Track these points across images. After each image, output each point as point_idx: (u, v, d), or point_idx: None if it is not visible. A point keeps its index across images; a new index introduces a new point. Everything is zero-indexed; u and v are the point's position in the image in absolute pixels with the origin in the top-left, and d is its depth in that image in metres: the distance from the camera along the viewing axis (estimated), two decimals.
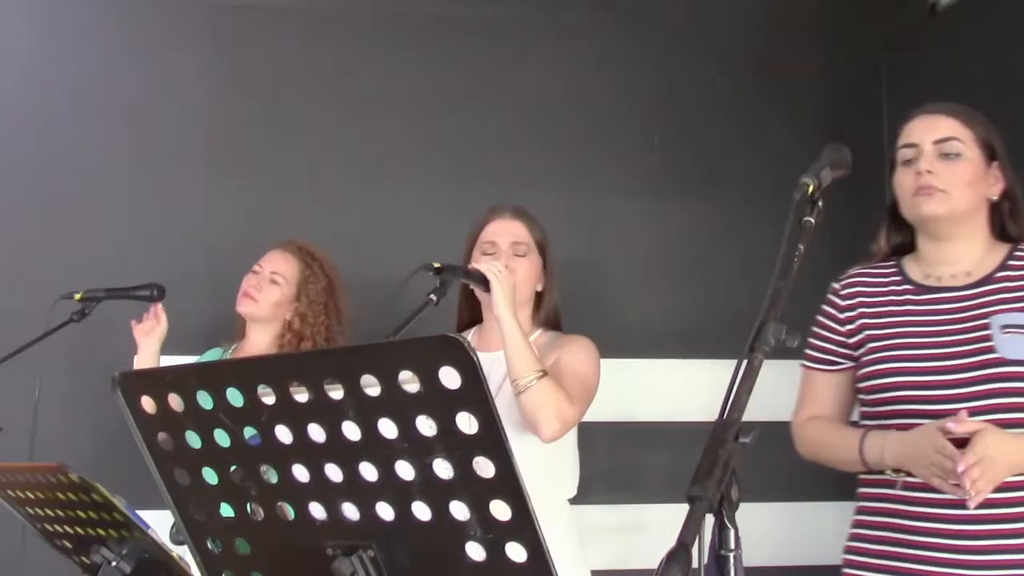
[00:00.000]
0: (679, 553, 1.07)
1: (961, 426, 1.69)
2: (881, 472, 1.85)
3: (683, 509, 1.15)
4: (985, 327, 1.81)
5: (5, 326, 2.79)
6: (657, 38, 3.51)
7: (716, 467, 1.17)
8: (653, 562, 1.09)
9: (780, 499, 3.16)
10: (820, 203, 1.49)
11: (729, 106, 3.50)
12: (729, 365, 1.32)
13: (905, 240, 2.00)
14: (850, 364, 1.98)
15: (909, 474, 1.80)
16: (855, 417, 2.02)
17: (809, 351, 2.05)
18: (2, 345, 2.62)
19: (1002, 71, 3.00)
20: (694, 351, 3.29)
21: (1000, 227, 1.93)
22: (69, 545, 1.67)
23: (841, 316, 2.01)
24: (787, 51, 3.56)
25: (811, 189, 1.48)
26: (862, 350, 1.95)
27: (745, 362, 1.31)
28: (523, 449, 2.13)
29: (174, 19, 3.34)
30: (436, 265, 2.22)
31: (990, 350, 1.79)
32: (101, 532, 1.57)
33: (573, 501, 2.37)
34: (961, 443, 1.69)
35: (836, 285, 2.05)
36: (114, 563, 1.53)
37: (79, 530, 1.61)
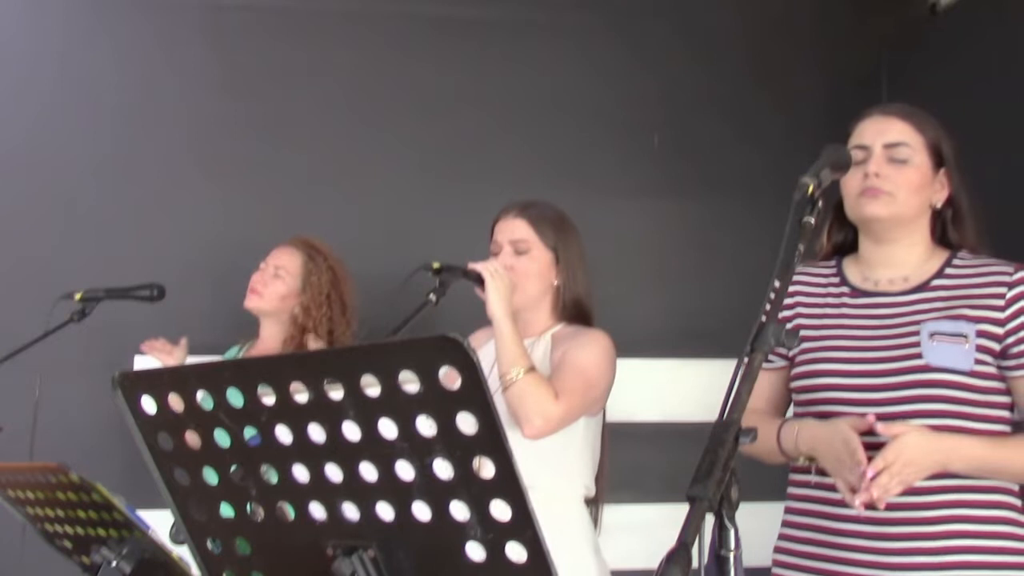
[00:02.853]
0: (679, 553, 1.07)
1: (887, 429, 1.69)
2: (808, 471, 1.85)
3: (683, 509, 1.15)
4: (916, 333, 1.82)
5: (5, 326, 2.79)
6: (657, 38, 3.52)
7: (716, 467, 1.17)
8: (653, 562, 1.09)
9: (780, 499, 3.15)
10: (820, 203, 1.49)
11: (729, 106, 3.50)
12: (729, 365, 1.32)
13: (847, 239, 2.01)
14: (784, 363, 1.99)
15: (822, 471, 1.80)
16: (790, 415, 2.02)
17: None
18: (2, 345, 2.62)
19: (1002, 71, 3.00)
20: (694, 351, 3.29)
21: (941, 233, 1.94)
22: (69, 545, 1.67)
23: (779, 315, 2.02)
24: (787, 51, 3.57)
25: (811, 189, 1.48)
26: (796, 349, 1.95)
27: (745, 362, 1.31)
28: (530, 446, 2.15)
29: (174, 19, 3.34)
30: (436, 265, 2.22)
31: (918, 356, 1.80)
32: (101, 532, 1.57)
33: None
34: (879, 446, 1.69)
35: (776, 284, 2.05)
36: (114, 563, 1.53)
37: (79, 530, 1.61)
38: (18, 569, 2.55)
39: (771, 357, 2.01)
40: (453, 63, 3.41)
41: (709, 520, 1.17)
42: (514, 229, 2.34)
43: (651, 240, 3.46)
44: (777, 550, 1.96)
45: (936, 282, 1.88)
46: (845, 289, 1.95)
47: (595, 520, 2.33)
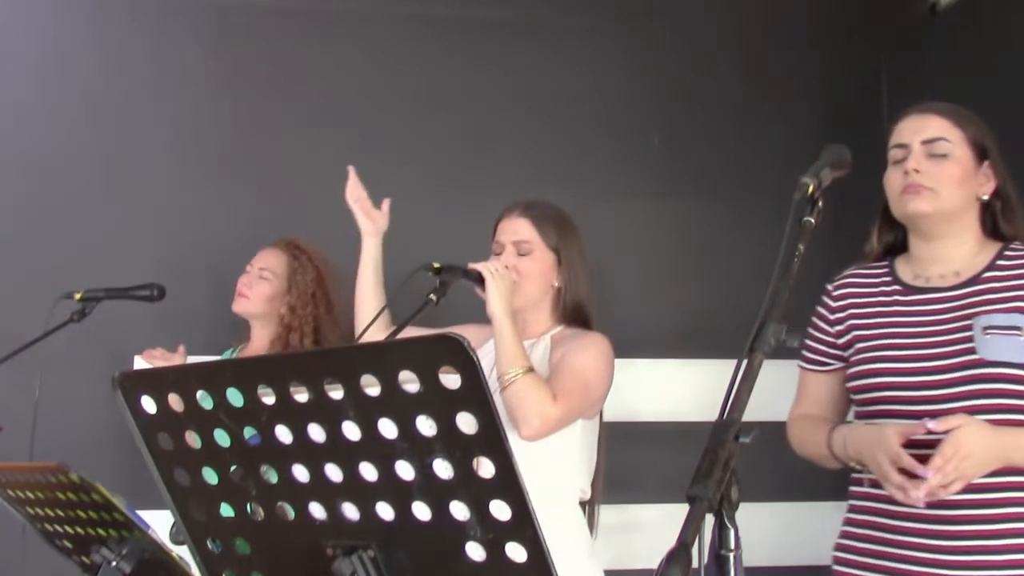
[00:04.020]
0: (679, 553, 1.07)
1: (941, 425, 1.69)
2: (862, 472, 1.85)
3: (683, 509, 1.15)
4: (969, 328, 1.82)
5: (5, 326, 2.79)
6: (657, 38, 3.51)
7: (716, 467, 1.17)
8: (653, 562, 1.09)
9: (780, 499, 3.16)
10: (820, 203, 1.49)
11: (729, 106, 3.49)
12: (729, 365, 1.32)
13: (897, 239, 2.01)
14: (840, 365, 2.00)
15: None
16: (850, 417, 2.03)
17: (804, 352, 2.08)
18: (2, 345, 2.62)
19: (1002, 71, 3.00)
20: (694, 351, 3.28)
21: (992, 226, 1.93)
22: (69, 545, 1.67)
23: (831, 317, 2.03)
24: (787, 51, 3.56)
25: (811, 189, 1.48)
26: (851, 351, 1.97)
27: (745, 362, 1.31)
28: (526, 448, 2.14)
29: (174, 19, 3.34)
30: (436, 265, 2.22)
31: (972, 351, 1.80)
32: (101, 532, 1.57)
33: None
34: (934, 444, 1.69)
35: (829, 286, 2.07)
36: (114, 563, 1.53)
37: (79, 530, 1.61)
38: (18, 569, 2.54)
39: (824, 360, 2.03)
40: (453, 63, 3.41)
41: (709, 520, 1.17)
42: (517, 229, 2.34)
43: (651, 240, 3.46)
44: (838, 548, 1.96)
45: (988, 275, 1.87)
46: (897, 288, 1.95)
47: (591, 522, 2.32)
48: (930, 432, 1.70)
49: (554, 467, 2.23)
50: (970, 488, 1.71)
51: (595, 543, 2.32)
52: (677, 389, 3.28)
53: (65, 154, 3.23)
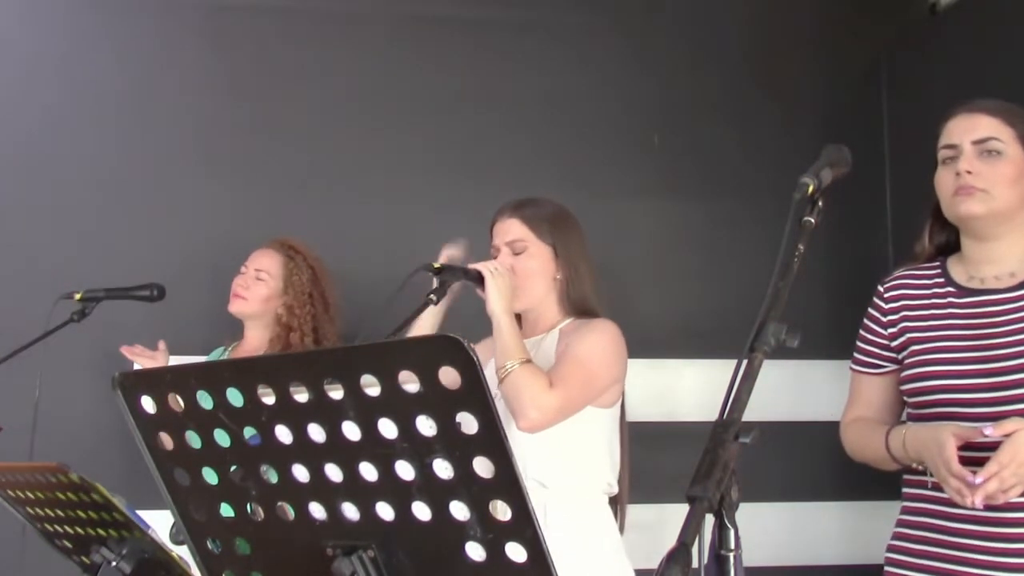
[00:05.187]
0: (679, 553, 1.07)
1: (997, 430, 1.68)
2: (923, 472, 1.84)
3: (683, 509, 1.15)
4: None
5: (5, 326, 2.79)
6: (657, 38, 3.51)
7: (716, 467, 1.17)
8: (653, 562, 1.09)
9: (780, 499, 3.16)
10: (820, 203, 1.49)
11: (729, 106, 3.49)
12: (729, 365, 1.32)
13: (949, 240, 1.98)
14: (894, 367, 1.97)
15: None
16: (904, 419, 2.01)
17: (856, 354, 2.05)
18: (2, 345, 2.62)
19: (1002, 71, 3.00)
20: (694, 351, 3.28)
21: None
22: (69, 545, 1.67)
23: (884, 319, 2.00)
24: (787, 51, 3.56)
25: (811, 189, 1.48)
26: (904, 352, 1.94)
27: (745, 362, 1.31)
28: (541, 443, 2.14)
29: (174, 19, 3.34)
30: (436, 265, 2.21)
31: None
32: (101, 532, 1.57)
33: None
34: (994, 446, 1.68)
35: (880, 288, 2.03)
36: (114, 563, 1.53)
37: (79, 530, 1.61)
38: (18, 569, 2.54)
39: (878, 362, 2.00)
40: (453, 63, 3.41)
41: (709, 520, 1.16)
42: (508, 230, 2.33)
43: (651, 240, 3.46)
44: (891, 549, 1.95)
45: None
46: (951, 289, 1.93)
47: (619, 520, 2.29)
48: (986, 438, 1.69)
49: (572, 461, 2.20)
50: None
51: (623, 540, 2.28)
52: (677, 389, 3.28)
53: (66, 154, 3.23)
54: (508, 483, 1.02)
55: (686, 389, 3.25)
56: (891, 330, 1.98)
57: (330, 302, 2.89)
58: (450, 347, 0.98)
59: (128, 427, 1.22)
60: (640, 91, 3.48)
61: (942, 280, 1.95)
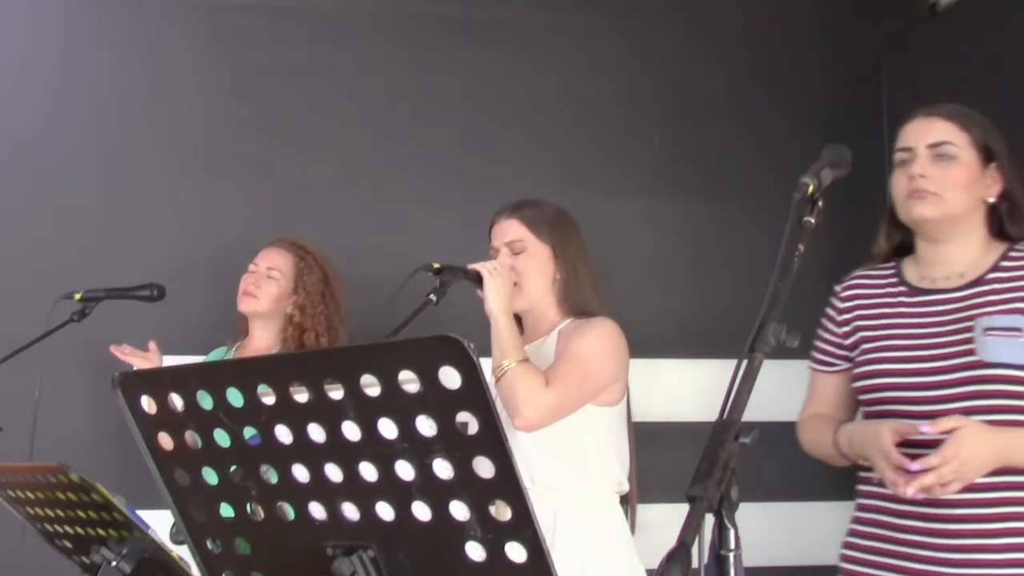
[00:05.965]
0: (679, 553, 1.07)
1: (934, 427, 1.70)
2: (870, 469, 1.86)
3: (683, 509, 1.15)
4: (970, 329, 1.82)
5: (5, 326, 2.79)
6: (657, 38, 3.51)
7: (716, 467, 1.17)
8: (653, 562, 1.09)
9: (780, 499, 3.16)
10: (820, 203, 1.49)
11: (729, 106, 3.50)
12: (729, 365, 1.32)
13: (906, 240, 2.01)
14: (848, 365, 2.00)
15: None
16: (859, 417, 2.03)
17: (813, 352, 2.09)
18: (2, 345, 2.62)
19: (1002, 71, 3.00)
20: (694, 351, 3.29)
21: (999, 227, 1.93)
22: (69, 545, 1.67)
23: (839, 318, 2.04)
24: (787, 51, 3.56)
25: (811, 189, 1.48)
26: (856, 351, 1.98)
27: (745, 362, 1.31)
28: (545, 445, 2.13)
29: (174, 19, 3.34)
30: (436, 265, 2.21)
31: (972, 352, 1.81)
32: (101, 532, 1.57)
33: None
34: (935, 443, 1.70)
35: (837, 287, 2.07)
36: (114, 563, 1.53)
37: (79, 530, 1.61)
38: (18, 569, 2.55)
39: (832, 360, 2.04)
40: (453, 63, 3.41)
41: (709, 520, 1.17)
42: (507, 230, 2.33)
43: (652, 240, 3.46)
44: (845, 546, 1.98)
45: (991, 276, 1.87)
46: (903, 289, 1.96)
47: (629, 519, 2.28)
48: (923, 435, 1.71)
49: (578, 462, 2.20)
50: (971, 488, 1.72)
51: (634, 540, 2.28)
52: (677, 389, 3.28)
53: (65, 154, 3.23)
54: (508, 483, 1.02)
55: (686, 389, 3.25)
56: (845, 329, 2.02)
57: (341, 302, 2.87)
58: (450, 347, 0.98)
59: (128, 427, 1.22)
60: (640, 91, 3.48)
61: (895, 280, 1.98)
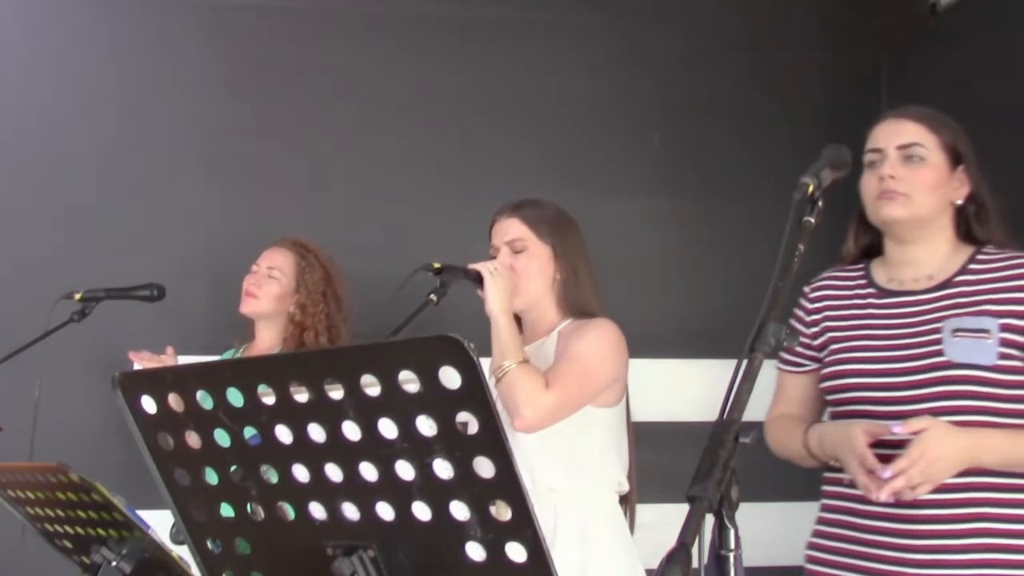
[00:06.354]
0: (679, 553, 1.07)
1: (906, 428, 1.71)
2: (840, 470, 1.86)
3: (683, 509, 1.15)
4: (939, 331, 1.83)
5: (5, 326, 2.79)
6: (656, 38, 3.52)
7: (716, 467, 1.17)
8: (653, 562, 1.09)
9: (780, 499, 3.15)
10: (820, 203, 1.49)
11: (729, 106, 3.50)
12: (729, 365, 1.32)
13: (874, 242, 2.02)
14: (816, 365, 2.01)
15: None
16: (826, 418, 2.04)
17: (781, 352, 2.08)
18: (2, 345, 2.62)
19: (1002, 71, 3.00)
20: (694, 351, 3.29)
21: (967, 230, 1.94)
22: (69, 545, 1.67)
23: (807, 319, 2.04)
24: (787, 51, 3.57)
25: (811, 189, 1.49)
26: (825, 352, 1.98)
27: (745, 362, 1.31)
28: (545, 447, 2.13)
29: (173, 19, 3.34)
30: (436, 265, 2.21)
31: (939, 353, 1.81)
32: (101, 532, 1.57)
33: None
34: (904, 444, 1.71)
35: (806, 289, 2.08)
36: (114, 563, 1.53)
37: (79, 530, 1.61)
38: (18, 569, 2.55)
39: (801, 360, 2.04)
40: (453, 63, 3.41)
41: (709, 520, 1.16)
42: (508, 229, 2.33)
43: (651, 240, 3.46)
44: (810, 547, 1.98)
45: (959, 278, 1.88)
46: (872, 290, 1.97)
47: (630, 519, 2.29)
48: (895, 435, 1.72)
49: (577, 463, 2.20)
50: (938, 488, 1.72)
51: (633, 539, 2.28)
52: (677, 389, 3.28)
53: (65, 154, 3.23)
54: (508, 483, 1.02)
55: (686, 389, 3.25)
56: (813, 330, 2.02)
57: (343, 301, 2.87)
58: (450, 347, 0.98)
59: (128, 427, 1.22)
60: (640, 91, 3.48)
61: (864, 282, 1.99)
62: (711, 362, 3.02)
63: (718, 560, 1.18)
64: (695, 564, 1.10)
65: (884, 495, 1.68)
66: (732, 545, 1.19)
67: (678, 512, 1.13)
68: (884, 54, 3.56)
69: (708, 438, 1.22)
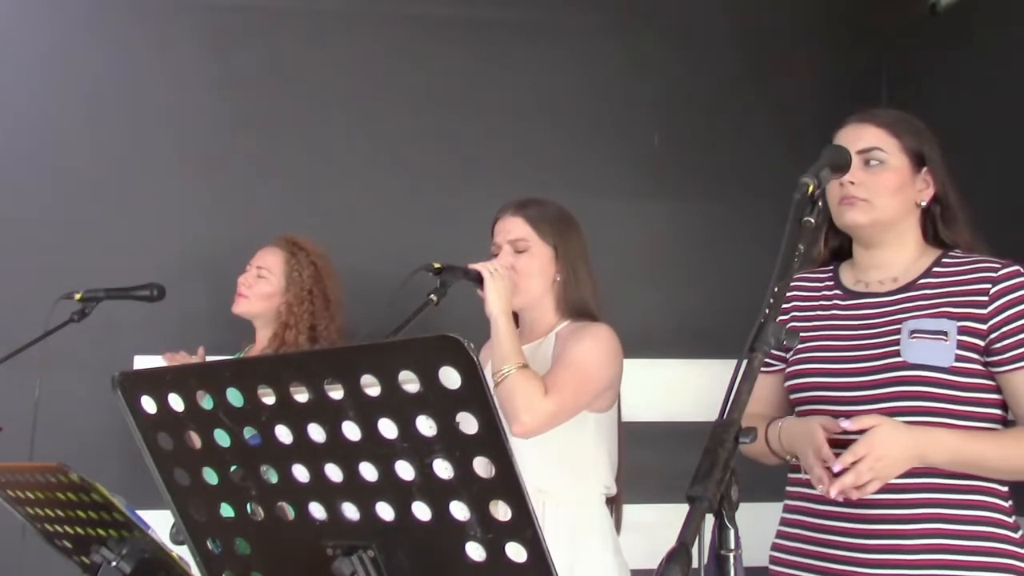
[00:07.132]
0: (679, 553, 1.07)
1: (854, 424, 1.71)
2: (799, 467, 1.87)
3: (683, 509, 1.15)
4: (898, 332, 1.84)
5: (5, 326, 2.79)
6: (656, 39, 3.52)
7: (716, 467, 1.17)
8: (653, 562, 1.09)
9: (780, 499, 3.16)
10: (820, 203, 1.50)
11: (728, 107, 3.50)
12: (729, 365, 1.32)
13: (843, 245, 2.03)
14: (782, 365, 2.01)
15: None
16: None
17: None
18: (2, 345, 2.62)
19: (1002, 71, 3.00)
20: (694, 351, 3.29)
21: (933, 232, 1.95)
22: (69, 545, 1.67)
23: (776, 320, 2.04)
24: (787, 51, 3.57)
25: (811, 189, 1.49)
26: (790, 352, 1.99)
27: (745, 362, 1.31)
28: (539, 449, 2.13)
29: (172, 19, 3.34)
30: (436, 265, 2.21)
31: (896, 354, 1.82)
32: (101, 532, 1.57)
33: None
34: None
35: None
36: (114, 563, 1.53)
37: (79, 530, 1.61)
38: (18, 569, 2.55)
39: (769, 360, 2.04)
40: (453, 63, 3.41)
41: (709, 520, 1.16)
42: (511, 228, 2.33)
43: (651, 240, 3.46)
44: (773, 547, 1.98)
45: (922, 281, 1.89)
46: (838, 292, 1.98)
47: (616, 520, 2.30)
48: (845, 432, 1.72)
49: (570, 467, 2.21)
50: (890, 488, 1.73)
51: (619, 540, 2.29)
52: (677, 389, 3.28)
53: (65, 154, 3.23)
54: (508, 483, 1.02)
55: (686, 389, 3.25)
56: None
57: (331, 299, 2.87)
58: (450, 347, 0.98)
59: (128, 427, 1.22)
60: (639, 91, 3.48)
61: (832, 284, 2.00)
62: (710, 362, 3.02)
63: (718, 560, 1.18)
64: (695, 564, 1.10)
65: (834, 491, 1.68)
66: (732, 545, 1.19)
67: (678, 512, 1.13)
68: (884, 54, 3.56)
69: (708, 438, 1.22)
